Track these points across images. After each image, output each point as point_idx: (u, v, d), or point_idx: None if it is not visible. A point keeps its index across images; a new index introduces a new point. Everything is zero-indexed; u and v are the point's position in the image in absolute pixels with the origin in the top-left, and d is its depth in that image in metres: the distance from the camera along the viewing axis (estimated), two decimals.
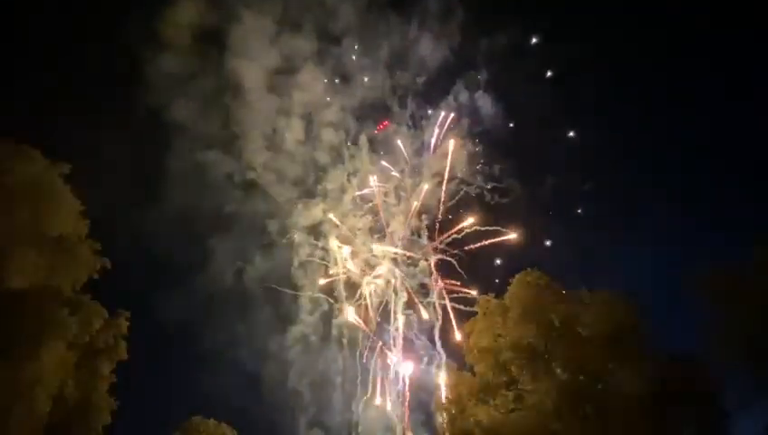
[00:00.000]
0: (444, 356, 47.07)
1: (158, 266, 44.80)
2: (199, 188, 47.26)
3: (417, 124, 53.64)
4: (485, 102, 52.72)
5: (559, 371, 29.17)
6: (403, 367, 47.48)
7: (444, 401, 33.84)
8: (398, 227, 51.24)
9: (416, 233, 51.36)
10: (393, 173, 51.86)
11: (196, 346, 45.69)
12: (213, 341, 45.17)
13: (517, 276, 31.92)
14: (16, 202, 26.81)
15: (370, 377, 47.73)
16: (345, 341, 48.84)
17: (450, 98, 53.24)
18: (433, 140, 52.65)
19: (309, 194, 51.44)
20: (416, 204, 50.98)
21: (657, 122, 50.29)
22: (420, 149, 53.27)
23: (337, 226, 50.67)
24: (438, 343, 48.17)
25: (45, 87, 40.87)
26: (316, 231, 50.94)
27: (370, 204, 51.53)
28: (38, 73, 41.39)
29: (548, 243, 49.92)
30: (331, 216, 50.43)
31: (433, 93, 53.89)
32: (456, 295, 48.46)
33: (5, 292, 25.42)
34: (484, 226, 48.89)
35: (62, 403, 26.09)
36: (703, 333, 27.61)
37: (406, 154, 52.43)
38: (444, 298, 48.98)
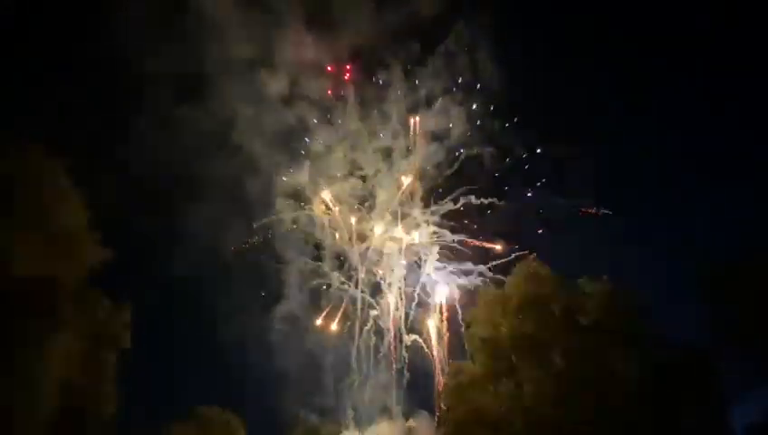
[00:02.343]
0: (444, 331, 45.67)
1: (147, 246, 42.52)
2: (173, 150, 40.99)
3: (411, 76, 46.60)
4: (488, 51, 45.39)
5: (558, 359, 29.40)
6: None
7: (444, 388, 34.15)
8: (390, 195, 46.81)
9: (409, 200, 46.99)
10: (381, 135, 46.53)
11: (193, 334, 45.14)
12: (205, 326, 43.77)
13: (517, 265, 32.07)
14: (17, 195, 26.92)
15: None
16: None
17: (449, 45, 45.62)
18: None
19: (293, 154, 46.74)
20: (410, 168, 46.29)
21: (660, 121, 49.72)
22: (416, 105, 47.12)
23: (323, 190, 46.45)
24: (436, 319, 46.68)
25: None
26: (301, 196, 46.82)
27: (362, 172, 46.99)
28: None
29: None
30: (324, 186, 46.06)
31: (429, 41, 46.00)
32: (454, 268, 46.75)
33: (10, 284, 25.67)
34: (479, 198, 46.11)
35: (69, 393, 26.36)
36: (702, 321, 27.80)
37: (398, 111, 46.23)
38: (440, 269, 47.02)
